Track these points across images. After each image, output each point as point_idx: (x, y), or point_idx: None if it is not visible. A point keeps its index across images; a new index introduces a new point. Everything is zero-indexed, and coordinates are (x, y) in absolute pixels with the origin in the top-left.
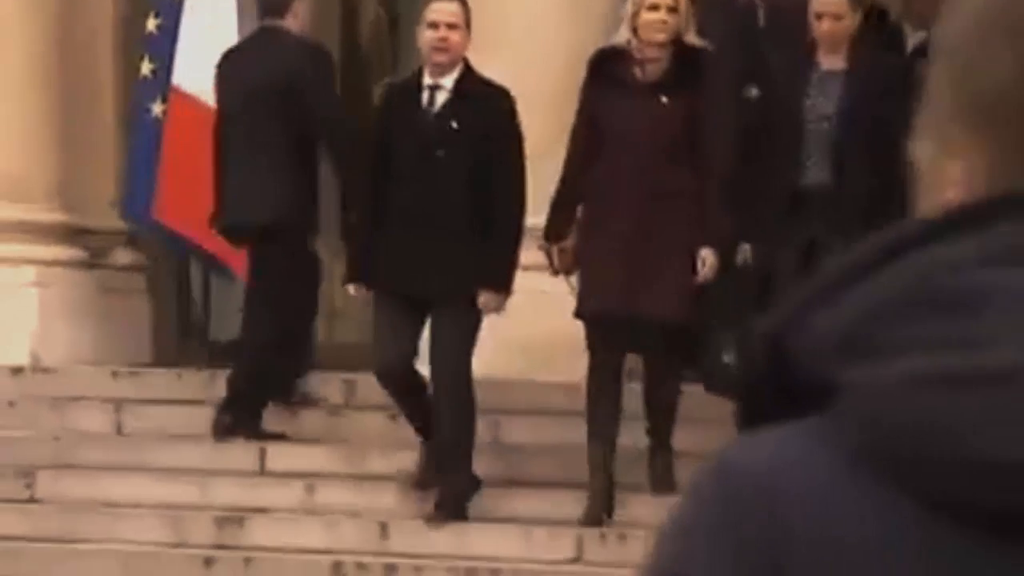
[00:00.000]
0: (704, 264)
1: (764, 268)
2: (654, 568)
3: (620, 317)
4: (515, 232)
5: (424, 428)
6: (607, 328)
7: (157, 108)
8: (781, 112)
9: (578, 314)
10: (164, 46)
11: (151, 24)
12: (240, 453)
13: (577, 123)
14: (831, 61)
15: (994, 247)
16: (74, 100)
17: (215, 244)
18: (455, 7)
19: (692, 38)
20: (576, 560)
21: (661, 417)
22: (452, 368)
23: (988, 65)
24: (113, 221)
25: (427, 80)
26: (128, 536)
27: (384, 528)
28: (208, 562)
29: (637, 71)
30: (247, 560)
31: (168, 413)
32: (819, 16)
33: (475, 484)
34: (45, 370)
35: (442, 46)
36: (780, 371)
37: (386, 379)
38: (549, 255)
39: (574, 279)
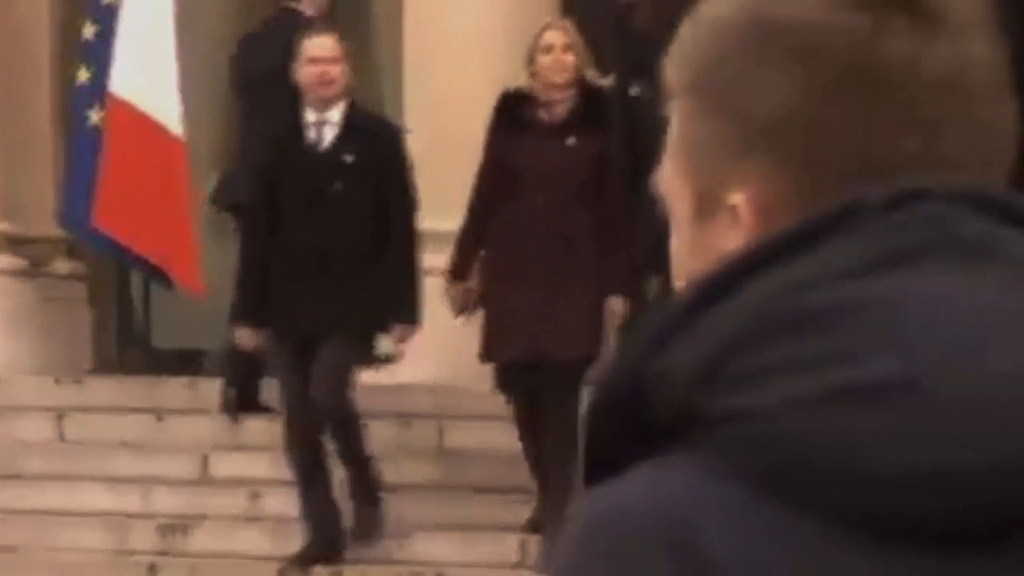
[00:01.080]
0: (613, 314)
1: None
2: None
3: (528, 361)
4: (415, 265)
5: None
6: (516, 372)
7: (95, 115)
8: None
9: (485, 359)
10: (101, 53)
11: (88, 31)
12: (183, 461)
13: (483, 164)
14: None
15: (841, 262)
16: (11, 108)
17: (155, 252)
18: (333, 42)
19: (593, 76)
20: (519, 565)
21: (564, 457)
22: (333, 400)
23: (764, 89)
24: (53, 230)
25: (311, 117)
26: (72, 544)
27: None
28: (152, 569)
29: (542, 113)
30: (191, 567)
31: (110, 421)
32: None
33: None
34: None
35: (325, 80)
36: (635, 406)
37: (306, 426)
38: (452, 295)
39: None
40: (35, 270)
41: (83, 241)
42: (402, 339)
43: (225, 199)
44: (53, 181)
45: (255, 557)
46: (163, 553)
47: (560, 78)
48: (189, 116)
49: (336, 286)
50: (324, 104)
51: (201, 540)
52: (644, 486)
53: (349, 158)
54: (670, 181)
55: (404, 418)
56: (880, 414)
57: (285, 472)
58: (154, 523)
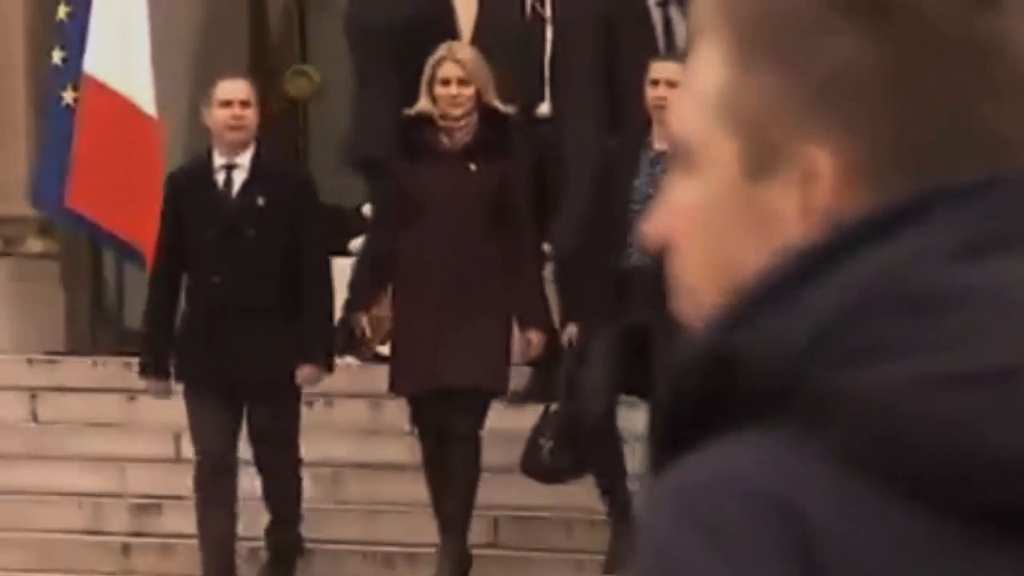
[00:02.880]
0: (530, 345)
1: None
2: None
3: (430, 391)
4: (329, 309)
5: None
6: (425, 405)
7: (69, 96)
8: (612, 193)
9: (392, 390)
10: (75, 34)
11: (62, 11)
12: (156, 440)
13: (384, 190)
14: (663, 140)
15: (944, 244)
16: None
17: (128, 232)
18: (246, 85)
19: (495, 102)
20: (491, 545)
21: (461, 489)
22: (283, 466)
23: (846, 45)
24: (25, 209)
25: (220, 160)
26: (45, 524)
27: (313, 514)
28: (125, 549)
29: (444, 139)
30: (164, 547)
31: (84, 401)
32: (655, 83)
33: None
34: None
35: (238, 124)
36: (722, 383)
37: (218, 472)
38: (360, 328)
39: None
40: (8, 249)
41: (56, 221)
42: (309, 379)
43: (353, 157)
44: (26, 161)
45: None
46: (137, 533)
47: (458, 111)
48: (162, 96)
49: (255, 336)
50: (234, 148)
51: (174, 520)
52: (744, 455)
53: (261, 202)
54: (703, 133)
55: (375, 399)
56: (987, 400)
57: None
58: (127, 503)
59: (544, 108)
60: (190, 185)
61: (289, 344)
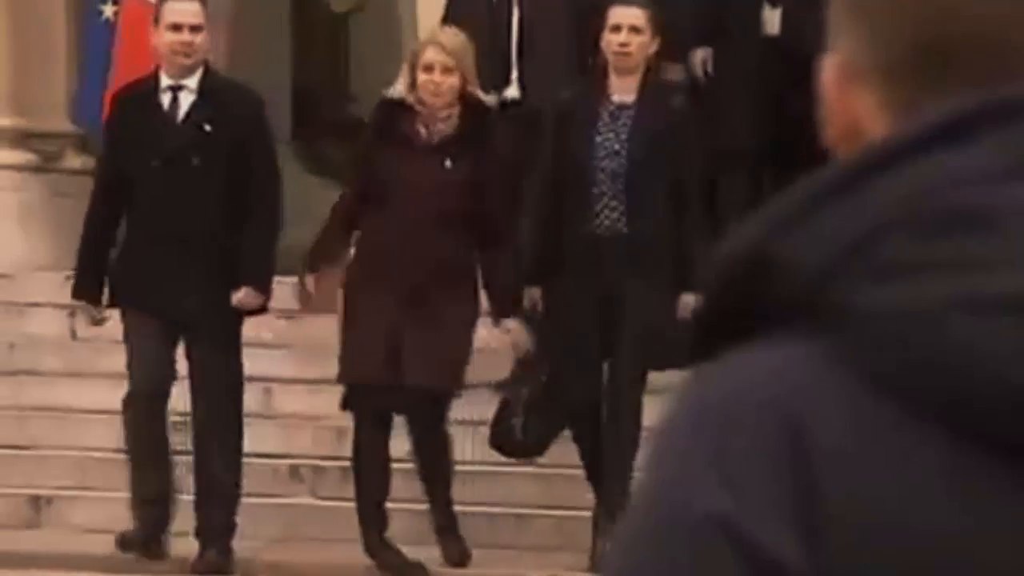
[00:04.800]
0: (512, 334)
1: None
2: (680, 509)
3: (385, 383)
4: (273, 235)
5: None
6: (367, 392)
7: (108, 10)
8: (570, 155)
9: (342, 378)
10: None
11: None
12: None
13: (357, 173)
14: (623, 91)
15: (981, 165)
16: (23, 3)
17: None
18: (197, 7)
19: (478, 93)
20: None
21: (438, 487)
22: (221, 408)
23: None
24: (64, 125)
25: (166, 81)
26: (83, 442)
27: (340, 433)
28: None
29: (421, 129)
30: None
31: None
32: (616, 28)
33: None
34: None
35: (187, 50)
36: (755, 287)
37: (149, 400)
38: (301, 287)
39: None
40: (46, 165)
41: (95, 136)
42: (245, 301)
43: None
44: (65, 76)
45: (268, 455)
46: (175, 451)
47: (438, 102)
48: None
49: (200, 266)
50: (182, 72)
51: None
52: (760, 368)
53: (208, 128)
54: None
55: None
56: (1018, 325)
57: (298, 370)
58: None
59: (512, 91)
60: (135, 107)
61: (228, 279)
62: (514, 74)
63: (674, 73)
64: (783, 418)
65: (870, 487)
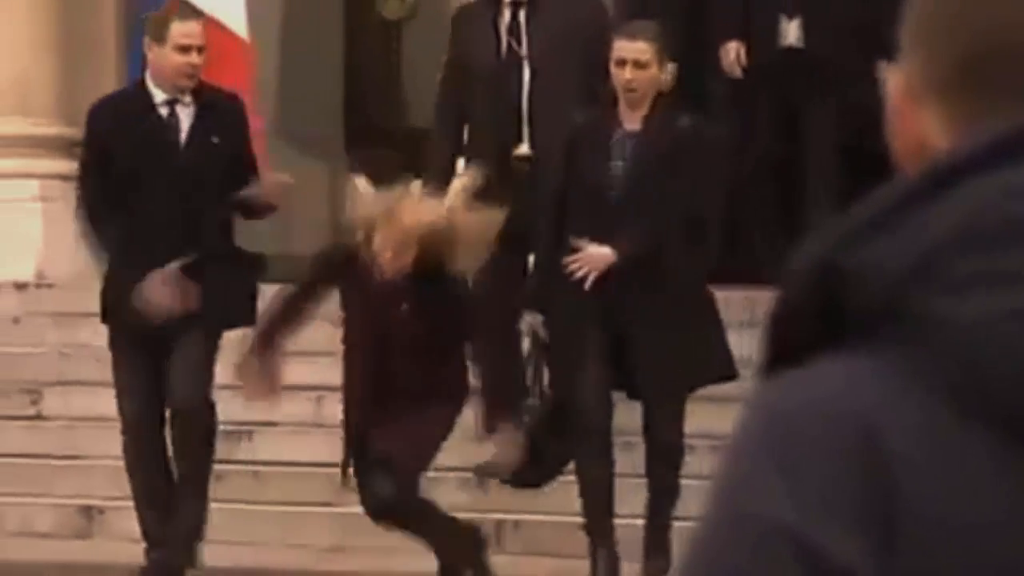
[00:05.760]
0: (498, 452)
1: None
2: (755, 519)
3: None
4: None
5: None
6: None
7: None
8: (580, 179)
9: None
10: None
11: None
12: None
13: (309, 274)
14: (632, 121)
15: None
16: (74, 10)
17: None
18: (200, 29)
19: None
20: None
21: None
22: (195, 403)
23: None
24: None
25: (161, 96)
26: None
27: None
28: (217, 476)
29: (375, 270)
30: (255, 474)
31: None
32: (621, 63)
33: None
34: (49, 285)
35: (195, 72)
36: (827, 296)
37: (139, 429)
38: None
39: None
40: None
41: None
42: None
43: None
44: (114, 85)
45: (319, 463)
46: (228, 460)
47: (390, 273)
48: (254, 17)
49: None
50: (182, 90)
51: (265, 446)
52: (832, 378)
53: (215, 139)
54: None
55: None
56: None
57: None
58: (219, 430)
59: (523, 148)
60: (124, 124)
61: (229, 289)
62: (525, 131)
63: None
64: (856, 427)
65: (943, 492)
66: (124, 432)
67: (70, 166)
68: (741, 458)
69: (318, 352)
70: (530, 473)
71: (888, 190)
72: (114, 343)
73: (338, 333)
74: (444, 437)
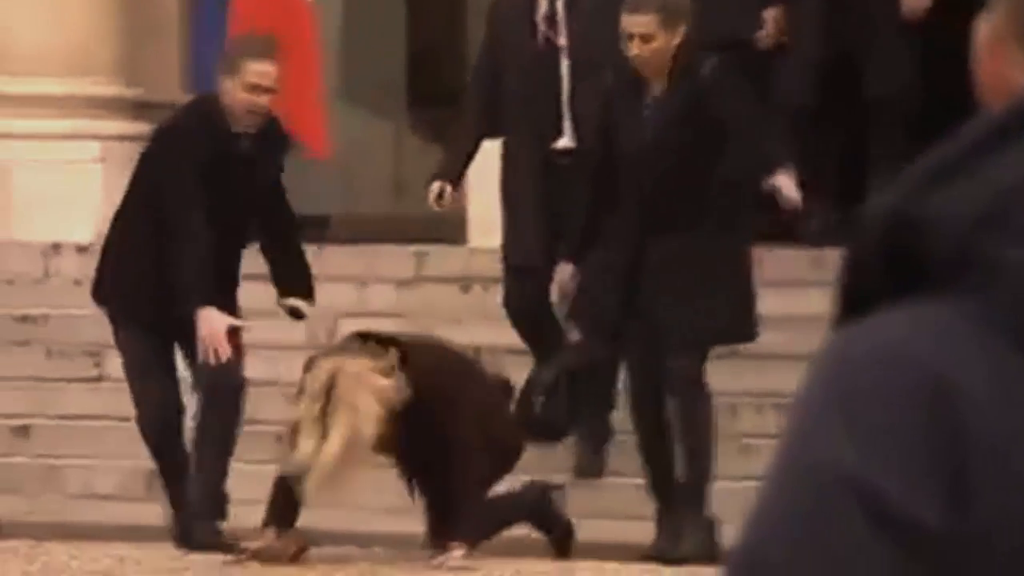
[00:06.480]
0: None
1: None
2: (817, 466)
3: None
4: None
5: None
6: None
7: None
8: (613, 139)
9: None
10: None
11: None
12: (309, 327)
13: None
14: (656, 85)
15: None
16: None
17: (282, 116)
18: (273, 69)
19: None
20: None
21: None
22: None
23: None
24: (177, 94)
25: (234, 128)
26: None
27: None
28: (279, 438)
29: None
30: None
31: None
32: (629, 37)
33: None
34: None
35: (262, 111)
36: (899, 245)
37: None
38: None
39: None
40: None
41: None
42: (300, 311)
43: (785, 100)
44: (178, 45)
45: None
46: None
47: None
48: None
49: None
50: (245, 125)
51: None
52: (901, 325)
53: (276, 162)
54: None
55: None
56: None
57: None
58: (279, 391)
59: (565, 141)
60: (210, 154)
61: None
62: (567, 124)
63: None
64: (921, 372)
65: (1014, 433)
66: (147, 419)
67: (131, 127)
68: (807, 408)
69: (378, 313)
70: (538, 425)
71: (957, 139)
72: (126, 332)
73: (395, 290)
74: None
